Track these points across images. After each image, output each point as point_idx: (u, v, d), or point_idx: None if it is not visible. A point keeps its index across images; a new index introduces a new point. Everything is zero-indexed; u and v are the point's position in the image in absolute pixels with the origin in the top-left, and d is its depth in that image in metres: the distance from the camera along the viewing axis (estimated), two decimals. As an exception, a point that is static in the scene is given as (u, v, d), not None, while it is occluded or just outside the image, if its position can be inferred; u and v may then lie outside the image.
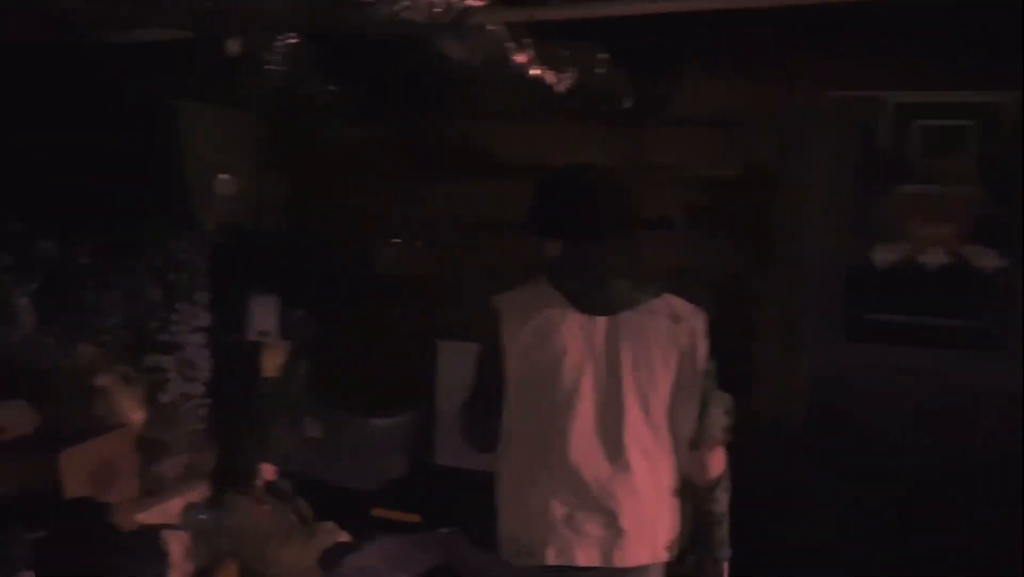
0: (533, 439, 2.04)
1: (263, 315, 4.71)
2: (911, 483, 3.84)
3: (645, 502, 2.04)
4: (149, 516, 3.30)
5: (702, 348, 2.08)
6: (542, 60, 3.55)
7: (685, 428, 2.10)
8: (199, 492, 3.57)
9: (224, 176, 4.49)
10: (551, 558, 1.99)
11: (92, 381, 3.53)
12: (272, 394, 4.49)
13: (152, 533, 3.00)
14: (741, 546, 2.25)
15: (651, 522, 2.05)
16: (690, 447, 2.12)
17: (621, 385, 2.02)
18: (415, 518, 4.02)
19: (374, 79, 4.58)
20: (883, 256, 4.01)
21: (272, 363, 4.59)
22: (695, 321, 2.08)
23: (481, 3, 2.83)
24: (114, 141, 3.93)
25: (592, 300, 2.05)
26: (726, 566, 2.20)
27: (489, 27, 3.16)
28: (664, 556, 2.08)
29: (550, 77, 3.81)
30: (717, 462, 2.17)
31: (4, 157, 3.52)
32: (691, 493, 2.15)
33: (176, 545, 3.42)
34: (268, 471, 3.59)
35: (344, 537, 3.68)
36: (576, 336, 2.02)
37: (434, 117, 4.84)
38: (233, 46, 3.30)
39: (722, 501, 2.18)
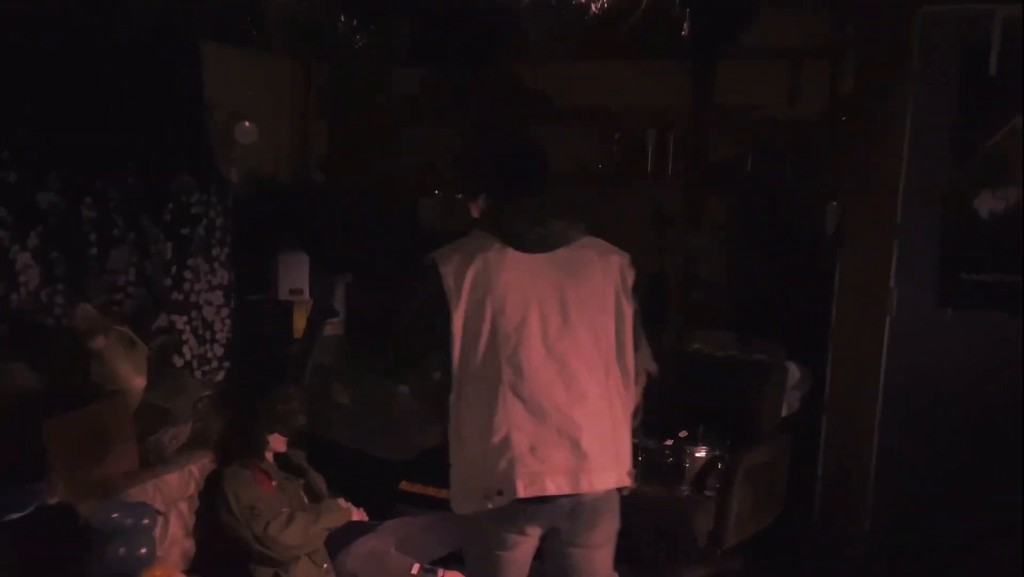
0: (488, 380, 2.04)
1: (293, 272, 4.40)
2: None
3: (604, 428, 2.09)
4: (145, 490, 3.03)
5: (630, 282, 2.17)
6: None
7: (627, 360, 2.17)
8: (203, 464, 3.29)
9: (246, 124, 4.15)
10: (521, 491, 1.98)
11: (90, 343, 3.26)
12: (300, 357, 4.19)
13: (143, 510, 2.71)
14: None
15: (612, 447, 2.10)
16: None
17: (568, 315, 2.08)
18: (446, 494, 3.67)
19: (418, 18, 4.20)
20: (988, 205, 3.40)
21: (302, 324, 4.29)
22: (622, 258, 2.20)
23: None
24: (125, 81, 3.62)
25: (527, 240, 2.10)
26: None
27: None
28: (627, 481, 2.13)
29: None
30: (639, 393, 2.28)
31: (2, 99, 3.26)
32: None
33: (175, 523, 3.17)
34: (279, 442, 3.26)
35: (359, 515, 3.35)
36: (518, 272, 2.08)
37: (484, 59, 4.43)
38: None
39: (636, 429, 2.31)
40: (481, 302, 2.04)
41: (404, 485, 3.91)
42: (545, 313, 2.06)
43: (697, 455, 3.21)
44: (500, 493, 1.99)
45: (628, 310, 2.15)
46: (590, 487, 2.04)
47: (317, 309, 4.02)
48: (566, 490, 2.02)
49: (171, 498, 3.15)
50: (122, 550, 2.48)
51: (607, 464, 2.07)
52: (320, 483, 3.39)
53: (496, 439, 2.00)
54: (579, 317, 2.08)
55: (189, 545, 3.21)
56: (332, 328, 4.40)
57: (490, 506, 2.00)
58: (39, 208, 3.38)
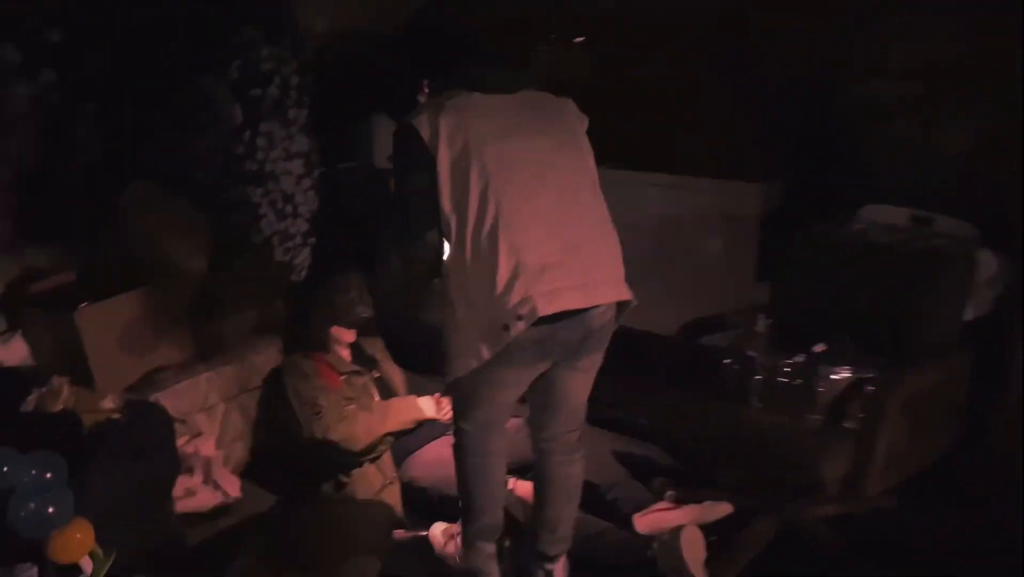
0: (485, 218, 2.00)
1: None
2: None
3: (605, 244, 2.13)
4: (196, 384, 2.78)
5: (585, 127, 2.25)
6: None
7: None
8: (266, 356, 3.00)
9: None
10: (543, 308, 1.95)
11: (143, 221, 2.98)
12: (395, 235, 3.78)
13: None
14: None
15: (615, 261, 2.14)
16: None
17: (552, 142, 2.12)
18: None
19: None
20: None
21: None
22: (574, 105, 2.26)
23: None
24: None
25: (489, 82, 2.12)
26: None
27: None
28: (630, 294, 2.14)
29: None
30: None
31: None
32: None
33: (236, 418, 2.92)
34: (346, 333, 2.90)
35: (439, 414, 2.95)
36: (490, 112, 2.08)
37: None
38: None
39: None
40: (463, 147, 2.01)
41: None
42: (529, 143, 2.07)
43: (834, 377, 2.50)
44: (520, 318, 1.94)
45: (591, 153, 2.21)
46: (604, 298, 2.07)
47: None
48: (581, 304, 2.02)
49: (228, 392, 2.89)
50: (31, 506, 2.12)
51: (613, 277, 2.11)
52: (396, 377, 3.02)
53: (504, 272, 1.97)
54: (562, 143, 2.13)
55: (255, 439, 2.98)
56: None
57: (512, 333, 1.95)
58: (88, 70, 3.06)
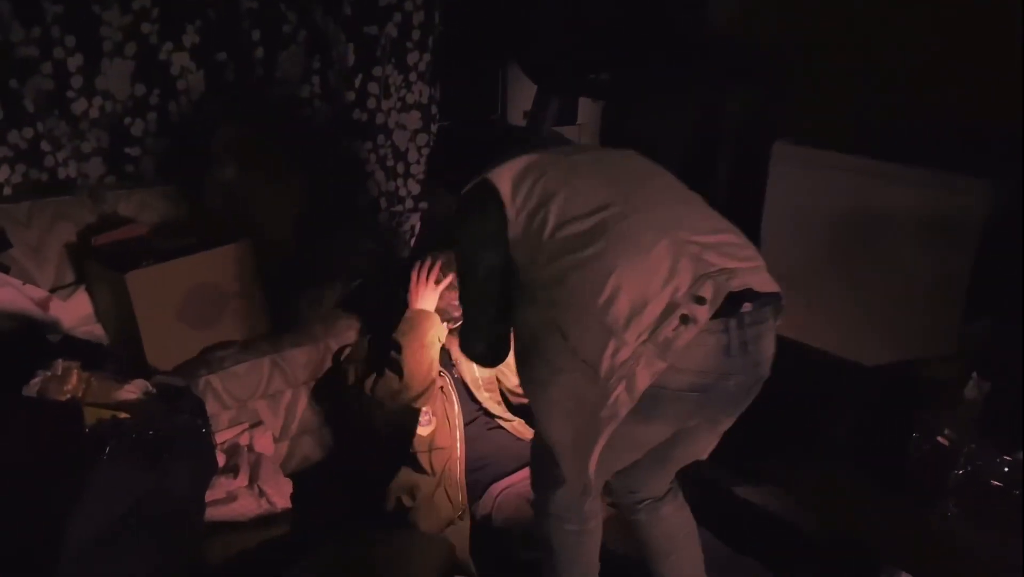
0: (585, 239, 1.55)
1: (529, 91, 3.38)
2: None
3: (743, 240, 1.64)
4: (258, 367, 2.41)
5: None
6: None
7: None
8: (344, 341, 2.58)
9: None
10: (706, 292, 1.46)
11: (225, 172, 2.62)
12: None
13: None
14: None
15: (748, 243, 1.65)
16: None
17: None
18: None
19: None
20: None
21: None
22: None
23: None
24: None
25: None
26: None
27: None
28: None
29: None
30: None
31: None
32: None
33: (304, 405, 2.55)
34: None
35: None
36: (577, 160, 1.73)
37: None
38: None
39: None
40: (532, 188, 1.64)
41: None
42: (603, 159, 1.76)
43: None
44: (700, 301, 1.44)
45: None
46: (768, 286, 1.56)
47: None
48: (768, 287, 1.55)
49: (296, 378, 2.51)
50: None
51: (759, 261, 1.60)
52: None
53: (663, 254, 1.49)
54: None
55: (325, 434, 2.60)
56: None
57: (699, 321, 1.44)
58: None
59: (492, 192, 1.63)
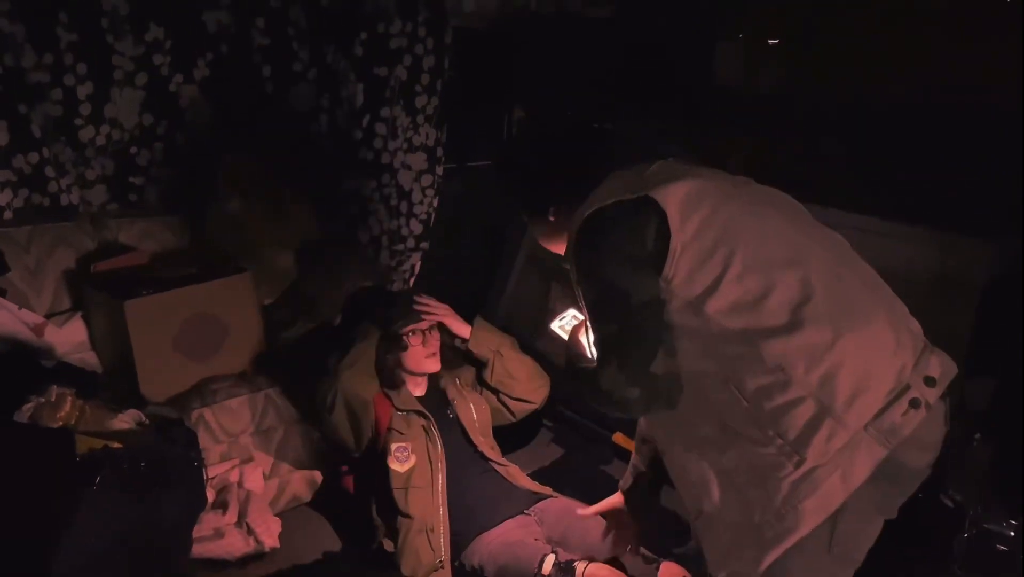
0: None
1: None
2: None
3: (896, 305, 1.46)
4: (252, 401, 2.38)
5: None
6: None
7: None
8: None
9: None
10: (934, 370, 1.31)
11: (229, 202, 2.62)
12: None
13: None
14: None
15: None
16: None
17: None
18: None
19: None
20: None
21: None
22: None
23: None
24: None
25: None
26: None
27: None
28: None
29: None
30: None
31: None
32: None
33: (297, 442, 2.50)
34: (423, 364, 2.41)
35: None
36: (750, 194, 1.48)
37: None
38: None
39: None
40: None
41: (618, 438, 2.91)
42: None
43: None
44: (931, 383, 1.29)
45: None
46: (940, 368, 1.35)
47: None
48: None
49: (290, 415, 2.47)
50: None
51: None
52: (480, 415, 2.48)
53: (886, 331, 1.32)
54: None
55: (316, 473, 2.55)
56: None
57: (910, 415, 1.27)
58: (206, 31, 2.74)
59: (656, 213, 1.36)
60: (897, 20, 2.71)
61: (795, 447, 1.27)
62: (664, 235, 1.34)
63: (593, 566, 2.00)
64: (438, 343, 2.42)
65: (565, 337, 1.85)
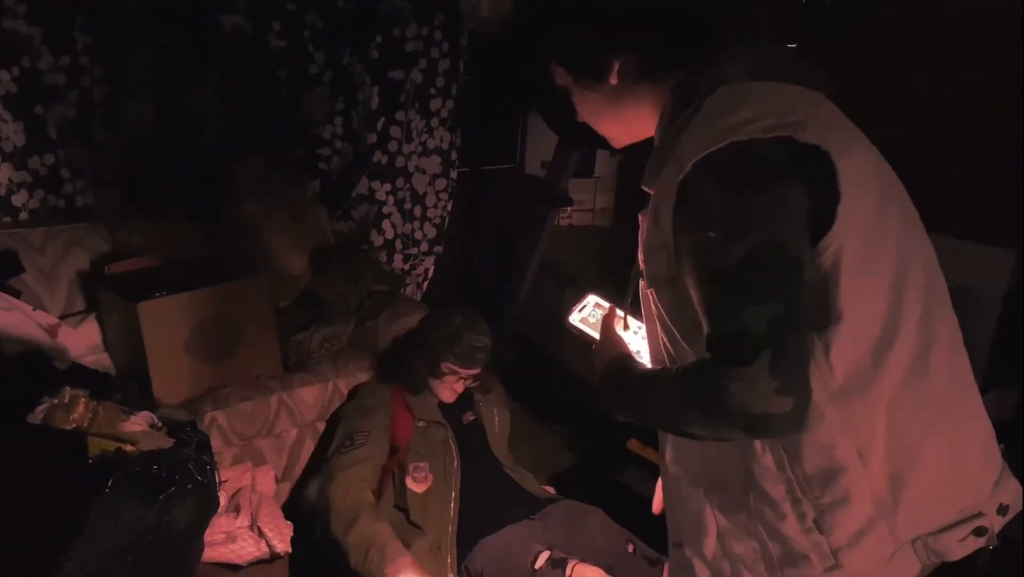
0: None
1: (550, 140, 3.40)
2: None
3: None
4: (264, 405, 2.37)
5: None
6: None
7: None
8: (352, 381, 2.54)
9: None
10: (1009, 497, 1.12)
11: (244, 205, 2.61)
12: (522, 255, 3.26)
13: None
14: None
15: None
16: None
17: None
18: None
19: None
20: None
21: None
22: None
23: None
24: None
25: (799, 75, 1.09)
26: None
27: None
28: None
29: None
30: None
31: None
32: None
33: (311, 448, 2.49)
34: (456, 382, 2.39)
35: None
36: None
37: None
38: None
39: None
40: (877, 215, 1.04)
41: (633, 445, 2.89)
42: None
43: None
44: (1002, 509, 1.10)
45: None
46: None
47: (547, 196, 2.98)
48: None
49: (303, 419, 2.46)
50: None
51: None
52: (498, 423, 2.46)
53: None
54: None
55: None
56: (578, 218, 3.39)
57: (968, 541, 1.07)
58: (223, 32, 2.74)
59: (828, 178, 0.99)
60: (913, 25, 2.68)
61: (835, 551, 1.03)
62: (825, 217, 0.98)
63: (581, 566, 2.00)
64: (464, 386, 2.40)
65: (592, 333, 1.51)
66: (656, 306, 1.11)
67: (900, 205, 1.09)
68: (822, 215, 0.98)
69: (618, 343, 1.23)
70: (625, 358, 1.19)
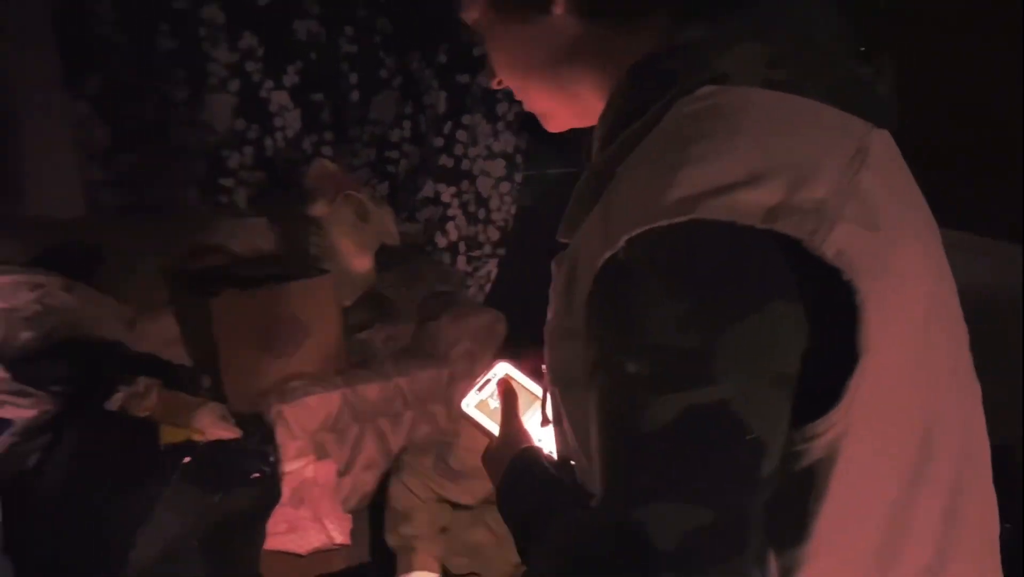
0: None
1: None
2: None
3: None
4: (328, 400, 2.43)
5: None
6: None
7: None
8: (413, 380, 2.59)
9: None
10: None
11: (315, 206, 2.69)
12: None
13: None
14: None
15: None
16: None
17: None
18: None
19: None
20: None
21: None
22: None
23: None
24: None
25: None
26: None
27: None
28: None
29: None
30: None
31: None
32: None
33: (370, 445, 2.55)
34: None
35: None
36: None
37: None
38: None
39: None
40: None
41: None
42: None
43: None
44: None
45: None
46: None
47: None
48: None
49: (364, 414, 2.52)
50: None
51: None
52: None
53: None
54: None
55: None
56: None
57: None
58: (297, 39, 2.83)
59: (846, 324, 0.57)
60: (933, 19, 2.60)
61: None
62: (830, 385, 0.58)
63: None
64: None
65: (489, 424, 0.91)
66: (559, 411, 0.73)
67: (947, 329, 0.69)
68: (825, 381, 0.59)
69: (522, 437, 0.85)
70: (528, 453, 0.82)
